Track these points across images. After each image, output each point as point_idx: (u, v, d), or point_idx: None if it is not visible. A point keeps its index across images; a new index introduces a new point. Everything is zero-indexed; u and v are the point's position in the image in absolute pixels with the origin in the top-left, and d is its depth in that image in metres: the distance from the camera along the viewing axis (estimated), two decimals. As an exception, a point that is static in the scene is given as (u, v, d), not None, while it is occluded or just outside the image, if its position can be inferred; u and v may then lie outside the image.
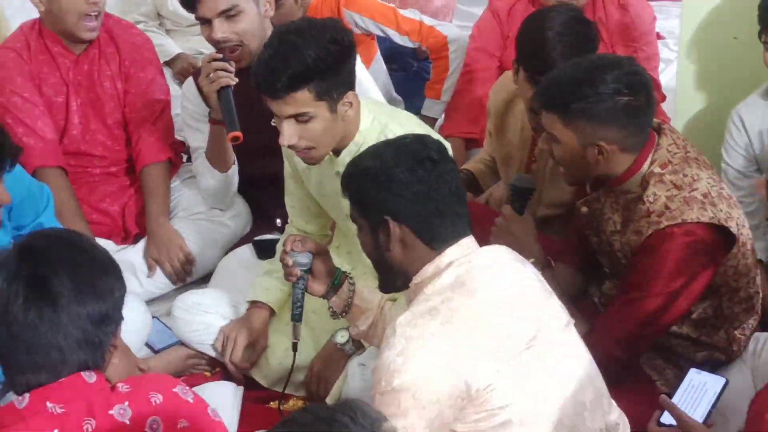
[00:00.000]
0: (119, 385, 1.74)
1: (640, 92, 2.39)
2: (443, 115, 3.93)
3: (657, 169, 2.43)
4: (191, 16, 4.07)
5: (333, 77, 2.46)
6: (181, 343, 3.02)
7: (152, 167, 3.37)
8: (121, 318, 1.75)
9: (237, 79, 3.00)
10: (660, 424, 2.17)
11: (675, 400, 2.21)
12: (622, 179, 2.48)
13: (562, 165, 2.53)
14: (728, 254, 2.46)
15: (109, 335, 1.71)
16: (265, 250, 3.13)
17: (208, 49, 3.96)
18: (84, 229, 3.14)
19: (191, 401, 1.78)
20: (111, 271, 1.74)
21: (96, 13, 3.19)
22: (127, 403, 1.70)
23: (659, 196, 2.41)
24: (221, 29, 3.03)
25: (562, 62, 2.68)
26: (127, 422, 1.68)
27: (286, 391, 2.79)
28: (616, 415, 2.17)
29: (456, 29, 3.95)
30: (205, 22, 3.06)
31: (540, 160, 3.02)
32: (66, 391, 1.66)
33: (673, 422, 2.16)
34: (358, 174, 2.10)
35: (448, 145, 2.24)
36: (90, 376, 1.69)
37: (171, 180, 3.47)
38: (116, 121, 3.40)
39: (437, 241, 2.05)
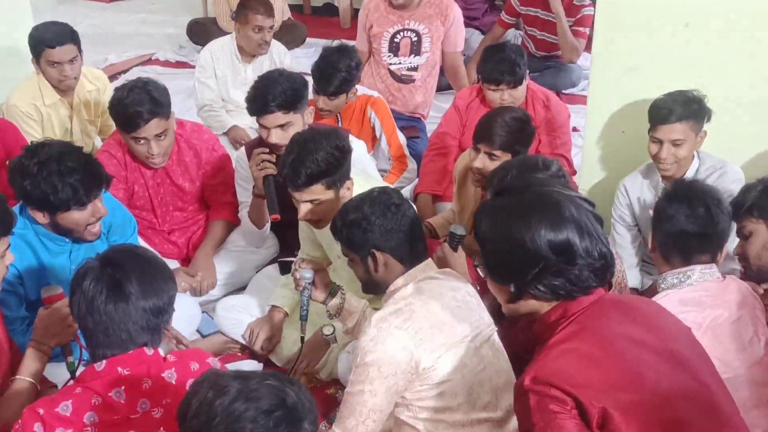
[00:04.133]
0: (168, 356, 1.79)
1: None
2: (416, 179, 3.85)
3: None
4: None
5: (337, 172, 2.53)
6: (221, 332, 3.07)
7: (217, 222, 3.36)
8: (173, 310, 1.79)
9: (275, 169, 2.93)
10: None
11: None
12: None
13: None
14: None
15: (164, 323, 1.77)
16: (286, 269, 3.15)
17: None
18: None
19: (218, 368, 1.82)
20: (167, 276, 1.78)
21: (156, 157, 3.06)
22: (174, 369, 1.75)
23: None
24: (276, 136, 2.99)
25: (497, 138, 2.77)
26: (174, 383, 1.73)
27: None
28: None
29: (413, 162, 3.90)
30: (265, 128, 3.03)
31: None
32: (132, 360, 1.71)
33: None
34: (346, 224, 2.15)
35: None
36: (149, 350, 1.75)
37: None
38: (194, 202, 3.36)
39: (408, 260, 2.14)
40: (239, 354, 3.05)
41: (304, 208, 2.57)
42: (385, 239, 2.12)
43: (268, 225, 3.23)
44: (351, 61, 3.61)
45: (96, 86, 3.84)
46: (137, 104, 2.96)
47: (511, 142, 2.82)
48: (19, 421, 1.66)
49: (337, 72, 3.56)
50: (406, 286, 2.11)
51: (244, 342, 3.02)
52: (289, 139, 2.67)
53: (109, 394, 1.67)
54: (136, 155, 3.13)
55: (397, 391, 2.03)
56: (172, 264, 3.27)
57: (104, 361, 1.71)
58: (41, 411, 1.66)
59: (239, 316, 3.03)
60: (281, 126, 3.02)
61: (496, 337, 2.19)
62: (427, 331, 2.01)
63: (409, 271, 2.14)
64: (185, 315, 2.98)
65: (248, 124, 4.23)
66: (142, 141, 3.02)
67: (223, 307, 3.08)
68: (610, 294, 1.76)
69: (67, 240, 2.57)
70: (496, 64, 3.45)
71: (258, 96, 3.01)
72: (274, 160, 2.98)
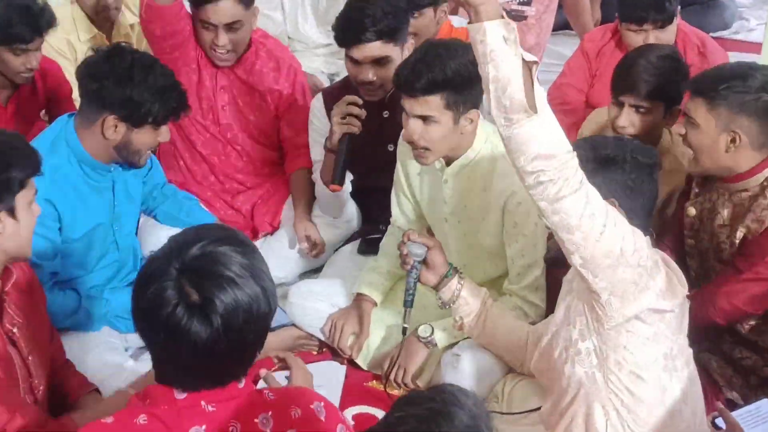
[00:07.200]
0: (265, 392, 1.57)
1: None
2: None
3: None
4: (319, 39, 3.70)
5: (464, 92, 2.26)
6: (294, 325, 2.73)
7: (300, 173, 3.08)
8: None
9: (361, 128, 2.68)
10: (714, 425, 1.96)
11: (736, 414, 1.97)
12: (741, 177, 2.23)
13: (693, 150, 2.29)
14: None
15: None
16: (369, 247, 2.88)
17: (329, 71, 3.85)
18: None
19: (324, 420, 1.58)
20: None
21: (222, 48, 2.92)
22: (270, 413, 1.53)
23: None
24: (371, 73, 2.72)
25: (643, 86, 2.51)
26: (268, 431, 1.53)
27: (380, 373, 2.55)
28: None
29: None
30: (357, 64, 2.74)
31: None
32: (220, 396, 1.50)
33: (723, 427, 1.97)
34: (599, 159, 1.94)
35: None
36: (241, 381, 1.53)
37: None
38: (264, 135, 3.15)
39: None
40: (315, 353, 2.75)
41: (412, 125, 2.30)
42: (624, 195, 1.91)
43: (346, 187, 2.89)
44: None
45: (138, 18, 3.43)
46: None
47: (662, 89, 2.52)
48: None
49: None
50: None
51: (323, 338, 2.71)
52: (420, 45, 2.44)
53: None
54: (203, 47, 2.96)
55: (636, 249, 1.76)
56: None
57: (185, 394, 1.48)
58: None
59: (317, 305, 2.72)
60: (377, 61, 2.70)
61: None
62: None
63: None
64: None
65: (319, 68, 3.96)
66: (211, 27, 2.84)
67: (298, 293, 2.75)
68: None
69: (111, 168, 2.50)
70: (640, -2, 3.06)
71: (352, 20, 2.70)
72: (363, 117, 2.67)
